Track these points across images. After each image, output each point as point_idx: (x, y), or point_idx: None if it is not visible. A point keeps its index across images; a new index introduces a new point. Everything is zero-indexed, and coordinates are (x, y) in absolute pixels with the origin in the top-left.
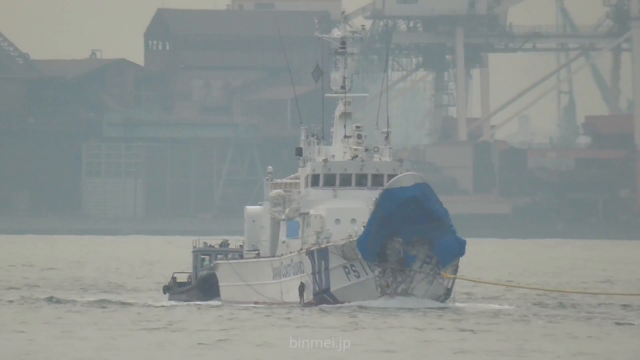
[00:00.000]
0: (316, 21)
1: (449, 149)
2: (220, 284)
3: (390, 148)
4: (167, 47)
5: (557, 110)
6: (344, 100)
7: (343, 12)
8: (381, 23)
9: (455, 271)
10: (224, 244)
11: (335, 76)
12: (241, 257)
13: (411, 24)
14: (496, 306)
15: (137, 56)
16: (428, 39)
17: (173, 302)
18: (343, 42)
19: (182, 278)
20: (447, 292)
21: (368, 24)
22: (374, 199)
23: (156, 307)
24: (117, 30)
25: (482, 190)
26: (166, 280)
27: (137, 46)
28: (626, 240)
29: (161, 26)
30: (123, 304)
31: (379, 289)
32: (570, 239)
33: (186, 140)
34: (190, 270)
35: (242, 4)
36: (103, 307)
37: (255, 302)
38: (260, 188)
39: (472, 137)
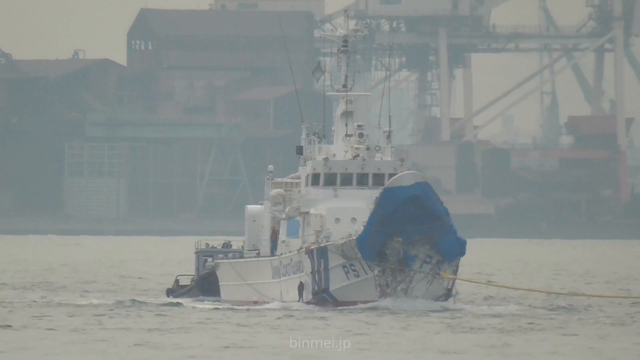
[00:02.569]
0: (318, 19)
1: (432, 148)
2: (220, 283)
3: (392, 147)
4: (150, 47)
5: (540, 110)
6: (345, 98)
7: (346, 11)
8: (364, 23)
9: (455, 271)
10: (227, 244)
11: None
12: (242, 256)
13: (394, 24)
14: (497, 308)
15: (120, 56)
16: (411, 39)
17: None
18: (345, 41)
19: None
20: (447, 293)
21: (351, 24)
22: (375, 198)
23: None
24: (100, 30)
25: (465, 190)
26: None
27: (119, 46)
28: (608, 240)
29: (144, 26)
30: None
31: (379, 289)
32: (553, 239)
33: (169, 140)
34: (193, 272)
35: (224, 4)
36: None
37: (255, 302)
38: (244, 188)
39: (455, 137)
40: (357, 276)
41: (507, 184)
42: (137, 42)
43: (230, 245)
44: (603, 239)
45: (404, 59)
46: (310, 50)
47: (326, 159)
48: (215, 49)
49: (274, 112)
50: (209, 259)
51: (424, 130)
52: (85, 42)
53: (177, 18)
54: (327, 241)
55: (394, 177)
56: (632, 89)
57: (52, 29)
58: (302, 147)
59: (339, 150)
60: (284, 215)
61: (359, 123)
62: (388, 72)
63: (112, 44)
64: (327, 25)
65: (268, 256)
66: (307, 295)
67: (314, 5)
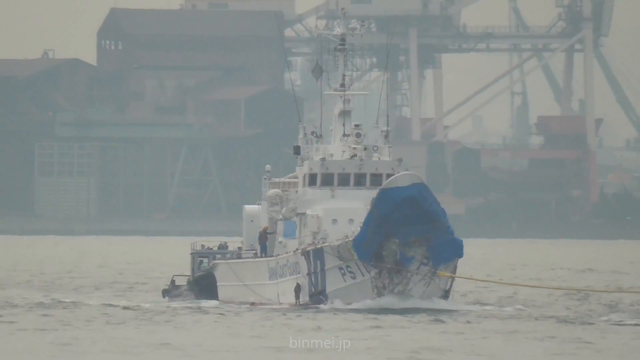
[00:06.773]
0: (318, 19)
1: (402, 149)
2: (218, 284)
3: (389, 147)
4: (120, 47)
5: (510, 110)
6: (343, 98)
7: (342, 9)
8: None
9: (453, 273)
10: (223, 246)
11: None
12: (239, 257)
13: (365, 24)
14: (495, 308)
15: (90, 56)
16: (382, 40)
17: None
18: (342, 39)
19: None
20: (445, 294)
21: (321, 23)
22: (372, 198)
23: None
24: (70, 29)
25: (435, 190)
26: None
27: (90, 46)
28: (578, 240)
29: (114, 26)
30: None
31: (375, 290)
32: (523, 239)
33: (139, 140)
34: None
35: (195, 4)
36: None
37: (252, 303)
38: (215, 188)
39: (426, 137)
40: (354, 278)
41: (478, 184)
42: (107, 41)
43: (227, 247)
44: (572, 238)
45: (374, 59)
46: (280, 50)
47: (323, 159)
48: (185, 48)
49: (244, 112)
50: (205, 260)
51: (395, 131)
52: (55, 41)
53: (148, 18)
54: (324, 242)
55: (390, 178)
56: (601, 89)
57: (21, 28)
58: (299, 147)
59: (337, 150)
60: (280, 216)
61: (357, 123)
62: (386, 71)
63: (82, 43)
64: (298, 26)
65: (265, 257)
66: (304, 296)
67: (285, 5)
